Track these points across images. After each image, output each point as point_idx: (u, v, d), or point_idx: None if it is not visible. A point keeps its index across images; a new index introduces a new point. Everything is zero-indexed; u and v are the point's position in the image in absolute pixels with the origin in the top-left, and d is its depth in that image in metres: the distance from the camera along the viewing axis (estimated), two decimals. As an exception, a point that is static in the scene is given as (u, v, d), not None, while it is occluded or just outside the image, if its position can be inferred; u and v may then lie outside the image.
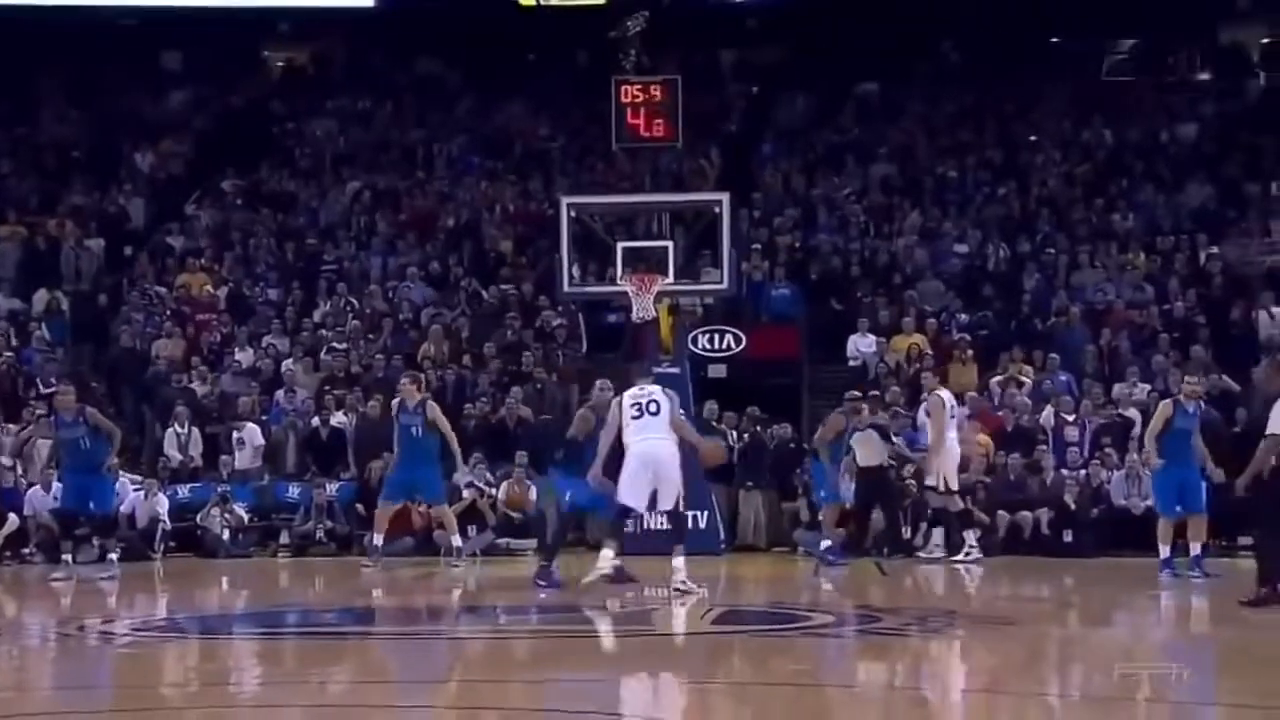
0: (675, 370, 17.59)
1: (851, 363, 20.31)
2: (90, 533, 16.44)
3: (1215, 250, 21.42)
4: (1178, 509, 14.43)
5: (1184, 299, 20.54)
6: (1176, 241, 21.83)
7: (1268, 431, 11.66)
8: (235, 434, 18.66)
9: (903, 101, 25.72)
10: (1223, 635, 11.52)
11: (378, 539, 15.82)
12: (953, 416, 16.21)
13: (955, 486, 16.04)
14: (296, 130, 26.24)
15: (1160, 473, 14.59)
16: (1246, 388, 18.64)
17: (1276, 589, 11.57)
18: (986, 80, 25.55)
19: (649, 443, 12.49)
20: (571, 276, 17.94)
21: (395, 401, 16.19)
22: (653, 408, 12.54)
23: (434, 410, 15.85)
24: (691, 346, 18.83)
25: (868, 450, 15.95)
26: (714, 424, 18.49)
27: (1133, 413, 17.99)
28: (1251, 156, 23.51)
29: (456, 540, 15.97)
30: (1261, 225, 21.95)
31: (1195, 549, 14.35)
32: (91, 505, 15.34)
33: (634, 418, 12.52)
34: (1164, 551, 14.41)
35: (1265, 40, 25.54)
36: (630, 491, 12.54)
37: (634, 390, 12.74)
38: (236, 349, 20.60)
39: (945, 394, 16.39)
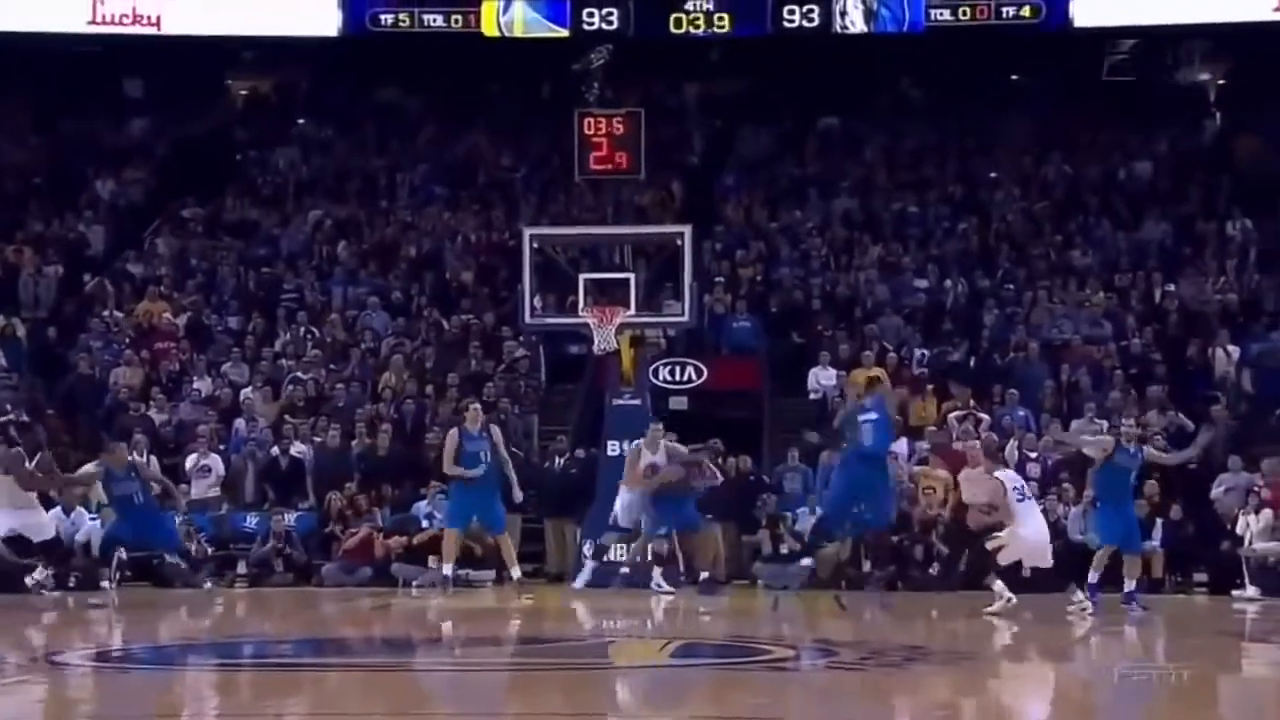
0: (636, 402, 17.64)
1: (812, 395, 20.38)
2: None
3: (1171, 288, 21.65)
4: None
5: (1141, 336, 20.74)
6: (1134, 279, 22.05)
7: None
8: (201, 461, 18.59)
9: (864, 136, 25.91)
10: (1183, 669, 11.59)
11: (447, 569, 15.92)
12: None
13: None
14: (259, 158, 26.22)
15: (1100, 509, 15.13)
16: (1200, 425, 18.84)
17: None
18: (947, 116, 25.77)
19: (1041, 520, 14.80)
20: (534, 307, 17.97)
21: (454, 430, 16.12)
22: (1026, 491, 14.70)
23: (497, 434, 15.98)
24: (653, 378, 18.85)
25: None
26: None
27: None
28: (1208, 195, 23.79)
29: (517, 571, 16.03)
30: (1217, 264, 22.20)
31: (1130, 585, 14.78)
32: (151, 539, 16.13)
33: (1019, 500, 14.43)
34: (1093, 577, 14.85)
35: (1221, 82, 25.85)
36: (1040, 555, 14.63)
37: (1012, 474, 14.84)
38: (195, 377, 20.51)
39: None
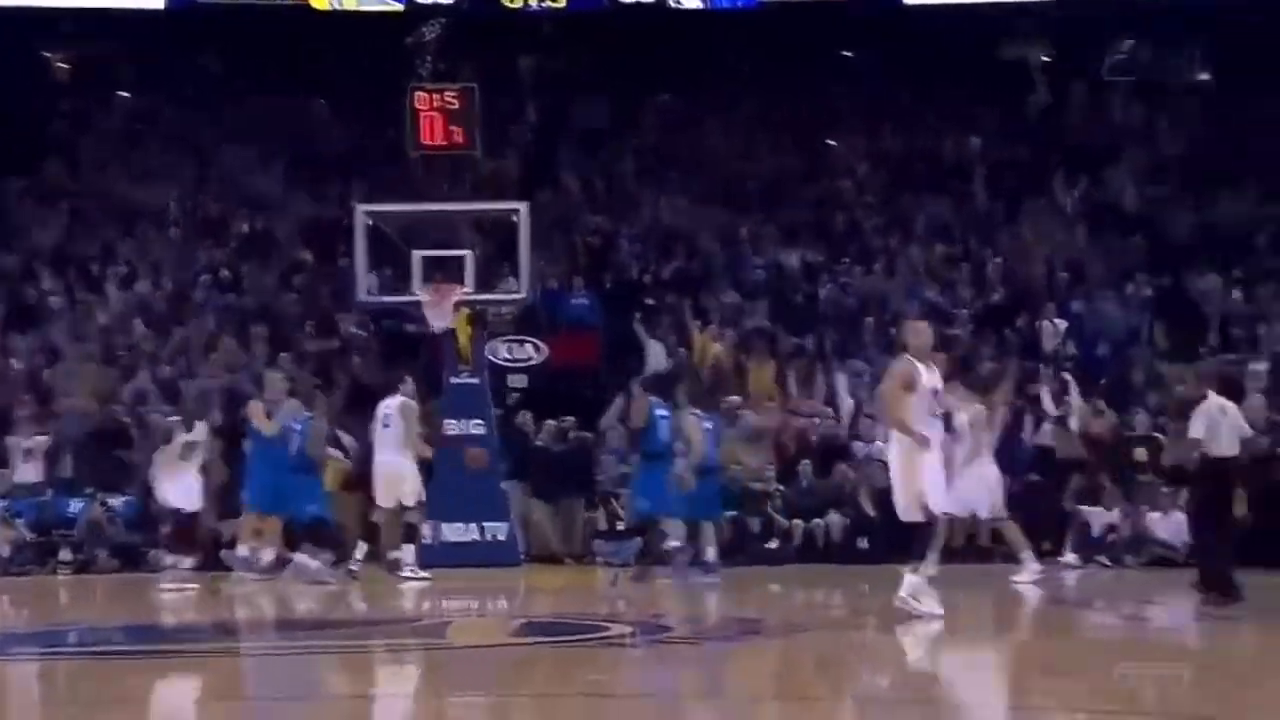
0: (475, 380, 17.51)
1: (650, 370, 20.38)
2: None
3: (999, 261, 22.08)
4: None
5: (972, 307, 21.12)
6: (965, 249, 22.45)
7: (1189, 435, 12.48)
8: (24, 444, 18.01)
9: (700, 110, 25.94)
10: (1017, 641, 11.86)
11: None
12: (386, 426, 15.71)
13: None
14: (80, 132, 25.41)
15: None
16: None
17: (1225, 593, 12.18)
18: (782, 91, 25.90)
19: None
20: (368, 286, 17.71)
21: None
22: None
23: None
24: (491, 356, 18.71)
25: None
26: (525, 430, 18.40)
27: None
28: (1035, 167, 24.28)
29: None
30: (1046, 233, 22.61)
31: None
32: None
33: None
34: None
35: (1045, 58, 26.33)
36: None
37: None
38: (14, 359, 19.82)
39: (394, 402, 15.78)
